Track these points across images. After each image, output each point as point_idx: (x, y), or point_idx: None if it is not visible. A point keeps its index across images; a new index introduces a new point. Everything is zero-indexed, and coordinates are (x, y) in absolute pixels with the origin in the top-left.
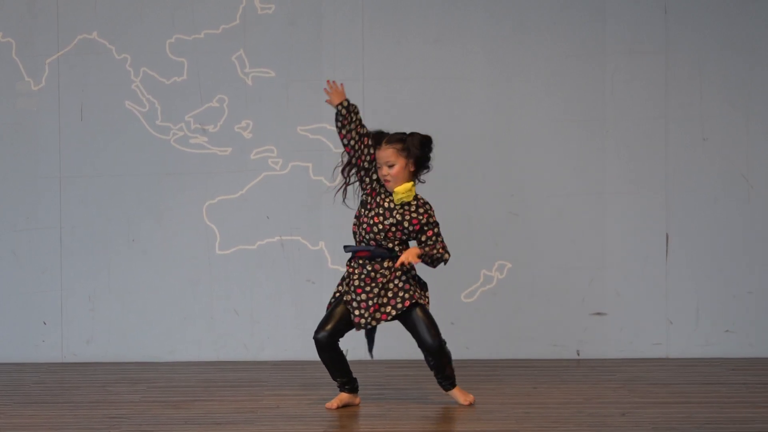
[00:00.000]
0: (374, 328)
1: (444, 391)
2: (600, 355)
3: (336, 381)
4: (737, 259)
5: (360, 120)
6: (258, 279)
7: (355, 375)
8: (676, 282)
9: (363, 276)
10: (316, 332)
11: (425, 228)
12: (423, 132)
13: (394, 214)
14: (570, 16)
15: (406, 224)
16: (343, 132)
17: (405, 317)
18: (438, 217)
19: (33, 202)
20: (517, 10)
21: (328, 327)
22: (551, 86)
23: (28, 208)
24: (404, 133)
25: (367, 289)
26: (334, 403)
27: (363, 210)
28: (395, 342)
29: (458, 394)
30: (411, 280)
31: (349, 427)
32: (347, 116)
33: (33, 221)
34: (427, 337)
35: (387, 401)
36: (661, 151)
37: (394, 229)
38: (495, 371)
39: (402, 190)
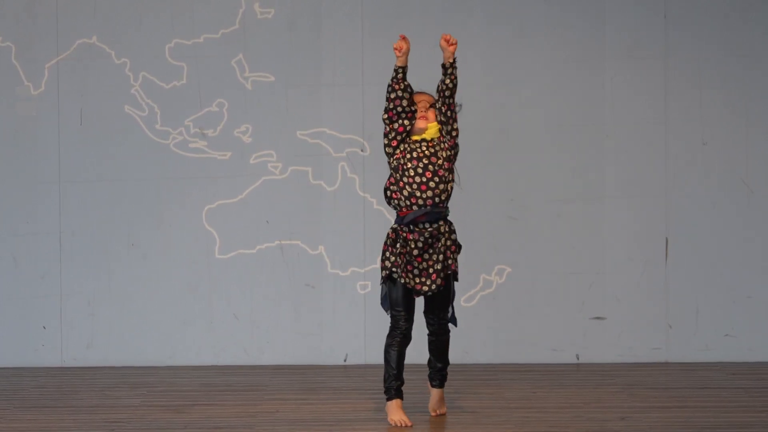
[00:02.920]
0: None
1: (429, 386)
2: (599, 359)
3: (391, 383)
4: (737, 263)
5: (407, 86)
6: (257, 283)
7: (357, 379)
8: (676, 286)
9: (420, 244)
10: (395, 326)
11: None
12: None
13: (434, 151)
14: (569, 21)
15: (444, 146)
16: (392, 96)
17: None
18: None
19: (33, 207)
20: (516, 15)
21: (406, 310)
22: (550, 91)
23: (28, 212)
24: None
25: (426, 256)
26: (403, 416)
27: (402, 172)
28: None
29: (436, 398)
30: (455, 244)
31: (350, 428)
32: (400, 82)
33: (33, 226)
34: (441, 312)
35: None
36: (660, 156)
37: (445, 155)
38: (494, 375)
39: (434, 127)
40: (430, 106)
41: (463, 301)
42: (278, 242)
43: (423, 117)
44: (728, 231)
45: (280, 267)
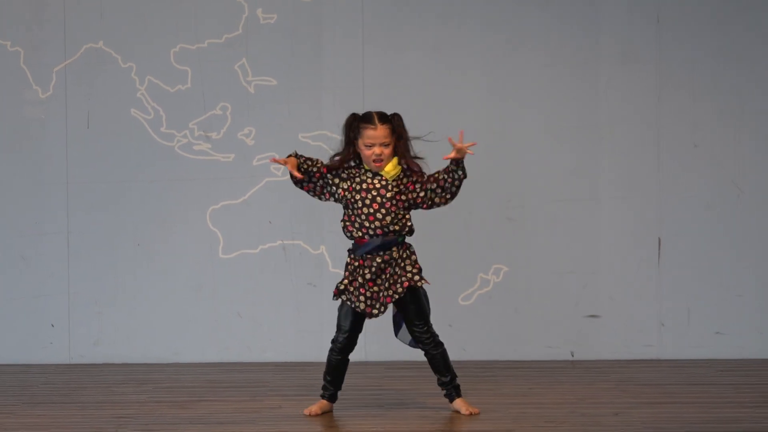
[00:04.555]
0: (398, 314)
1: (448, 402)
2: (594, 356)
3: (326, 385)
4: (727, 263)
5: (317, 168)
6: (260, 282)
7: (356, 375)
8: (668, 285)
9: (374, 269)
10: (339, 331)
11: (425, 178)
12: (422, 133)
13: (389, 189)
14: (564, 25)
15: (403, 190)
16: (304, 188)
17: (400, 301)
18: (436, 222)
19: (41, 208)
20: (512, 20)
21: (347, 327)
22: (546, 94)
23: (36, 213)
24: (385, 113)
25: (379, 281)
26: (315, 409)
27: (352, 207)
28: (393, 343)
29: (461, 405)
30: (409, 264)
31: (349, 426)
32: (298, 182)
33: (41, 226)
34: (416, 327)
35: (385, 401)
36: (653, 158)
37: (395, 200)
38: (491, 372)
39: (392, 167)
40: (387, 144)
41: (460, 300)
42: (281, 242)
43: (378, 164)
44: (719, 231)
45: (283, 266)
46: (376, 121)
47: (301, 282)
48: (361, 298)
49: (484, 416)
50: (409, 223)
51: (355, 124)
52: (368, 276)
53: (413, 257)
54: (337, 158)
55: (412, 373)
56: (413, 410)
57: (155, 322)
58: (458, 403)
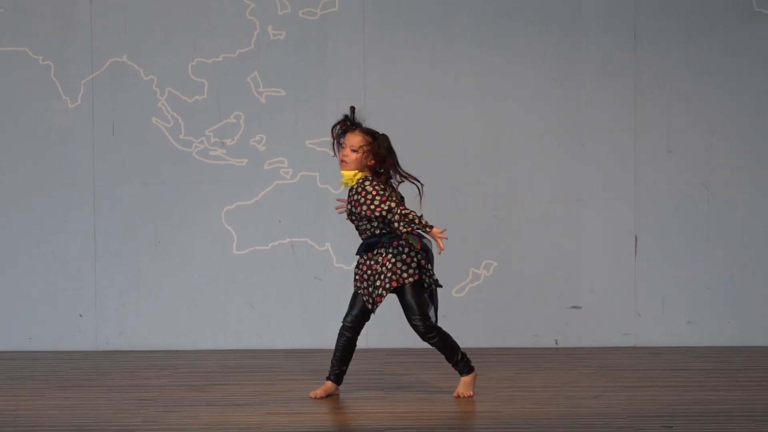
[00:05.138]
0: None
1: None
2: (576, 344)
3: (332, 367)
4: (698, 258)
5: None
6: (271, 276)
7: (359, 361)
8: (644, 279)
9: (361, 265)
10: (345, 318)
11: (372, 209)
12: (420, 145)
13: (350, 202)
14: (550, 42)
15: (350, 207)
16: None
17: (399, 298)
18: (432, 220)
19: (70, 208)
20: (502, 37)
21: (354, 312)
22: (533, 105)
23: (65, 213)
24: (377, 132)
25: (365, 276)
26: (319, 392)
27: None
28: (393, 331)
29: (464, 383)
30: (398, 263)
31: (353, 407)
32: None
33: (70, 225)
34: (410, 320)
35: (386, 385)
36: (630, 162)
37: (352, 214)
38: (482, 359)
39: (347, 175)
40: (355, 150)
41: (454, 292)
42: (289, 240)
43: (343, 164)
44: (690, 230)
45: (291, 262)
46: (356, 128)
47: (308, 276)
48: (362, 291)
49: (476, 398)
50: (378, 231)
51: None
52: (360, 273)
53: (401, 256)
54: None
55: (411, 359)
56: (411, 393)
57: (174, 312)
58: (461, 382)
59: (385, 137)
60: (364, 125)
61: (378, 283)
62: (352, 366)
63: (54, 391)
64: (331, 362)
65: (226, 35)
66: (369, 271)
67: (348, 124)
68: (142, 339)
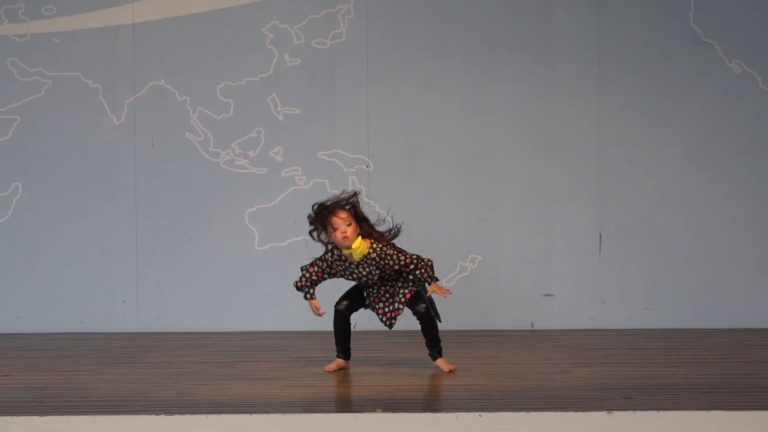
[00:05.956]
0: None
1: (432, 361)
2: (549, 326)
3: (337, 346)
4: (653, 253)
5: (318, 279)
6: (287, 269)
7: (364, 342)
8: (607, 271)
9: (377, 291)
10: (338, 303)
11: (401, 263)
12: (415, 156)
13: (370, 269)
14: (526, 66)
15: (368, 274)
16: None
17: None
18: (423, 222)
19: (115, 210)
20: (486, 62)
21: (347, 301)
22: (513, 121)
23: (111, 214)
24: (342, 200)
25: (383, 298)
26: (332, 367)
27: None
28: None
29: (442, 363)
30: (406, 286)
31: (356, 380)
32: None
33: (115, 225)
34: (414, 306)
35: (384, 362)
36: (595, 171)
37: (380, 275)
38: (468, 339)
39: (358, 245)
40: (349, 224)
41: (445, 282)
42: (303, 237)
43: (346, 240)
44: (646, 229)
45: (304, 256)
46: (336, 210)
47: None
48: (376, 308)
49: (462, 374)
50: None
51: (321, 219)
52: (374, 295)
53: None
54: (326, 255)
55: (406, 340)
56: (408, 369)
57: (204, 299)
58: (440, 362)
59: (351, 202)
60: (329, 203)
61: (393, 302)
62: (356, 345)
63: (102, 367)
64: (336, 343)
65: (249, 62)
66: (387, 294)
67: (342, 204)
68: (177, 322)
